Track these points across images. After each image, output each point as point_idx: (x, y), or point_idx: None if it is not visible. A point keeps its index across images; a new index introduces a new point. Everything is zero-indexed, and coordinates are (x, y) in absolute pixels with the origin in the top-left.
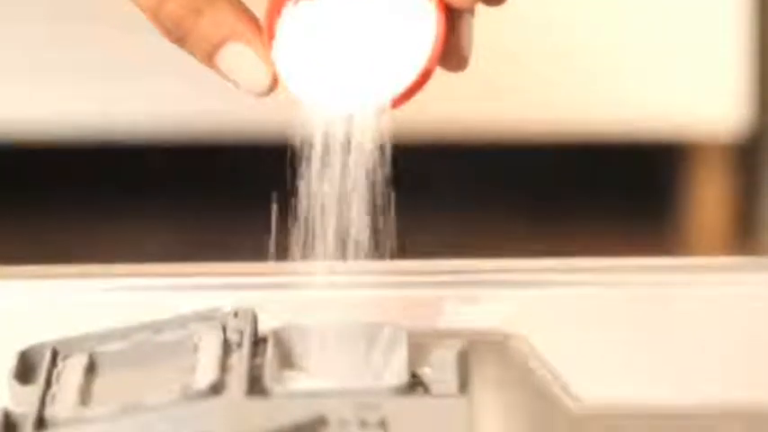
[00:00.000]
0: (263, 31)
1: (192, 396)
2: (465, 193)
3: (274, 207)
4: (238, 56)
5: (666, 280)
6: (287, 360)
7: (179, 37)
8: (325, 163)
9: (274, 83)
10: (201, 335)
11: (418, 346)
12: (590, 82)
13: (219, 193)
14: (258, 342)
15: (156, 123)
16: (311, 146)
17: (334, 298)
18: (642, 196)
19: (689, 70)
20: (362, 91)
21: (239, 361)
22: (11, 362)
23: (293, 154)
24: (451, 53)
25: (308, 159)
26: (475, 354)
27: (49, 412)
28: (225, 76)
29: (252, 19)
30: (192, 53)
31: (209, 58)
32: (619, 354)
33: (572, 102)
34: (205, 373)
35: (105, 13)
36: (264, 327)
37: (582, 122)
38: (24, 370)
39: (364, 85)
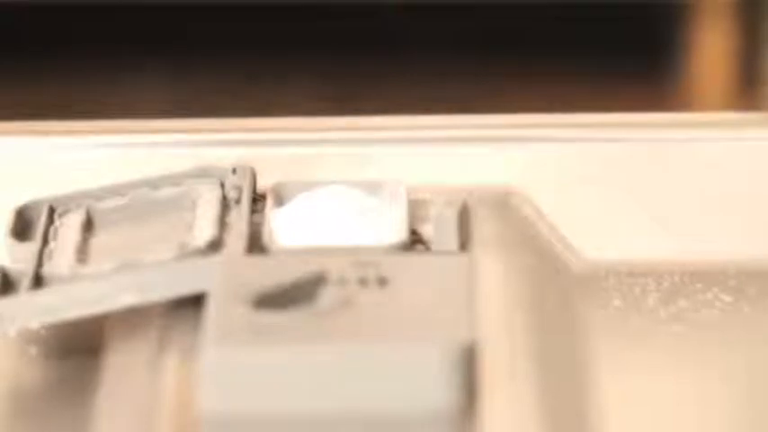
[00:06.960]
0: None
1: (190, 253)
2: (462, 51)
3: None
4: None
5: (669, 136)
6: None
7: None
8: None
9: None
10: (199, 191)
11: (418, 203)
12: None
13: (218, 50)
14: (257, 199)
15: None
16: None
17: (333, 154)
18: (644, 52)
19: None
20: None
21: (238, 218)
22: (7, 219)
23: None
24: None
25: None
26: (476, 211)
27: (47, 269)
28: None
29: None
30: None
31: None
32: (621, 211)
33: None
34: (203, 231)
35: None
36: (263, 184)
37: None
38: (21, 227)
39: None
